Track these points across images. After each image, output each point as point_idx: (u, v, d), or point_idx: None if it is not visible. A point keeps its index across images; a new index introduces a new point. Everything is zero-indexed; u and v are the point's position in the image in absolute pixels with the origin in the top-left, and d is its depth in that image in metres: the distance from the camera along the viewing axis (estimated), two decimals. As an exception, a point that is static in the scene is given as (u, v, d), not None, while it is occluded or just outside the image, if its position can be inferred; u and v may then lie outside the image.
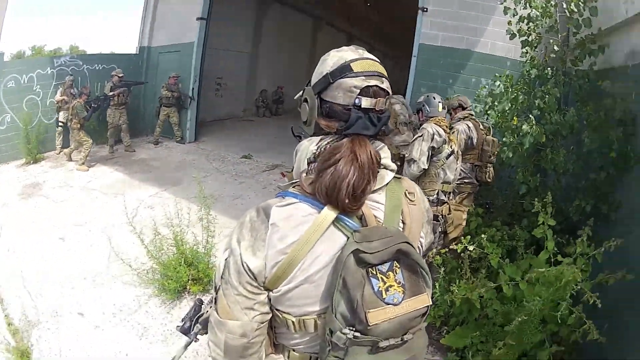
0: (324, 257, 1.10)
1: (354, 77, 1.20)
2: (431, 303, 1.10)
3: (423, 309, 1.07)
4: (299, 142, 1.33)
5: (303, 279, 1.10)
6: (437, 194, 3.79)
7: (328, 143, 1.21)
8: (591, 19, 4.52)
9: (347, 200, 1.09)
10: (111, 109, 10.29)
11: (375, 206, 1.20)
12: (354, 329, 1.00)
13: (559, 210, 4.26)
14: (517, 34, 5.00)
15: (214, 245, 4.58)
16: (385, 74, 1.27)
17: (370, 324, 0.98)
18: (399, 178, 1.30)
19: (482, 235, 3.73)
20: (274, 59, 18.29)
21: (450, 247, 3.86)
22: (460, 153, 4.01)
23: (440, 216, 3.73)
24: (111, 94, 10.15)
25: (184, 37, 11.62)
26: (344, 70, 1.21)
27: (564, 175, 4.56)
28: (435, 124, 3.83)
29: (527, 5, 4.86)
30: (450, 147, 3.82)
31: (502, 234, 4.50)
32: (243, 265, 1.12)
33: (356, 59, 1.23)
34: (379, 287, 1.02)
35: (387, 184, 1.23)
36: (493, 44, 7.02)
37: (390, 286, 1.03)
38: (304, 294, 1.12)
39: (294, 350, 1.25)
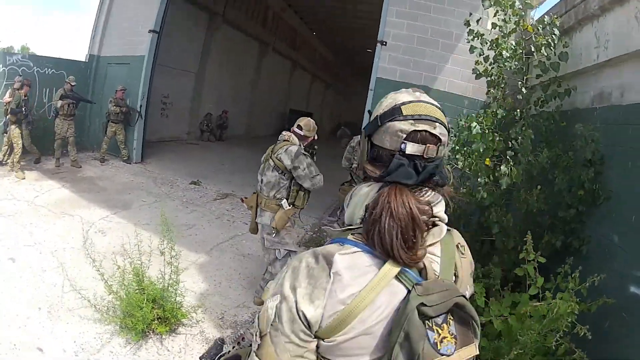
0: (384, 309, 1.05)
1: (402, 120, 1.14)
2: (478, 353, 1.09)
3: (471, 358, 1.07)
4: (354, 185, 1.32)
5: (361, 331, 1.04)
6: None
7: (372, 189, 1.17)
8: (560, 63, 4.66)
9: (404, 255, 1.05)
10: (59, 118, 9.70)
11: (432, 259, 1.14)
12: None
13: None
14: (484, 74, 5.10)
15: (179, 282, 4.25)
16: (442, 118, 1.19)
17: None
18: (449, 230, 1.23)
19: None
20: (220, 82, 18.07)
21: None
22: None
23: None
24: (59, 103, 9.62)
25: (135, 50, 11.21)
26: (394, 113, 1.16)
27: (532, 214, 4.62)
28: None
29: (495, 46, 4.96)
30: None
31: (476, 273, 4.52)
32: (299, 314, 1.05)
33: (409, 102, 1.17)
34: (435, 338, 1.01)
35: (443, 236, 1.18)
36: (451, 82, 7.11)
37: (445, 337, 1.02)
38: (359, 344, 1.06)
39: None
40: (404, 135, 1.12)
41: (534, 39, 4.86)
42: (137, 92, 10.93)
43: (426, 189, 1.16)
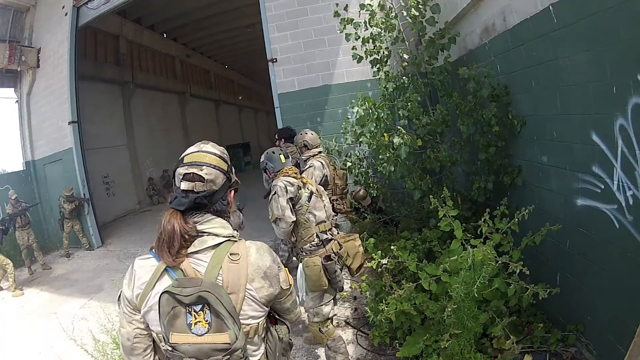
0: (158, 294, 1.38)
1: (181, 167, 1.54)
2: (232, 341, 1.34)
3: (223, 345, 1.33)
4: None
5: (150, 306, 1.45)
6: (317, 236, 3.42)
7: None
8: (435, 17, 4.53)
9: (166, 257, 1.43)
10: (18, 230, 9.47)
11: (200, 263, 1.47)
12: (168, 344, 1.35)
13: (464, 198, 4.22)
14: (364, 56, 4.94)
15: None
16: (212, 161, 1.56)
17: (172, 342, 1.33)
18: (235, 241, 1.53)
19: (392, 247, 3.56)
20: (151, 144, 17.38)
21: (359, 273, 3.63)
22: (322, 189, 3.67)
23: (333, 254, 3.37)
24: (12, 214, 9.42)
25: (62, 144, 10.84)
26: (179, 162, 1.56)
27: (455, 167, 4.47)
28: (283, 176, 3.46)
29: (368, 25, 4.77)
30: (308, 188, 3.49)
31: (413, 240, 4.40)
32: (124, 294, 1.51)
33: (190, 152, 1.58)
34: (191, 320, 1.34)
35: (215, 246, 1.49)
36: (348, 71, 6.93)
37: (199, 322, 1.34)
38: (153, 317, 1.44)
39: None
40: (181, 177, 1.52)
41: (402, 3, 4.74)
42: (76, 182, 10.62)
43: (197, 212, 1.52)
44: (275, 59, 7.21)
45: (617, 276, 2.62)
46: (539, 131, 3.36)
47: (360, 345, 3.98)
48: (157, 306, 1.38)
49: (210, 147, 1.62)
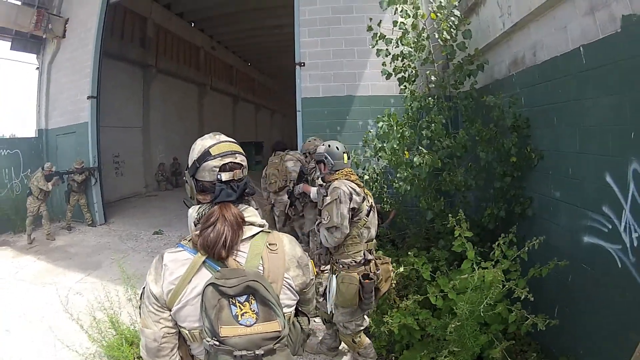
0: (198, 288, 1.41)
1: (212, 159, 1.56)
2: (282, 329, 1.38)
3: (273, 333, 1.36)
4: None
5: (186, 302, 1.43)
6: (363, 254, 3.23)
7: (203, 210, 1.56)
8: (465, 42, 4.67)
9: (222, 251, 1.44)
10: (32, 197, 9.66)
11: (239, 254, 1.50)
12: (215, 338, 1.33)
13: (474, 223, 4.26)
14: (393, 73, 5.08)
15: None
16: (239, 149, 1.63)
17: (222, 336, 1.32)
18: (268, 232, 1.59)
19: (409, 253, 3.71)
20: (166, 130, 17.73)
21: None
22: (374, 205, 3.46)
23: (372, 274, 3.21)
24: (51, 184, 9.71)
25: (78, 117, 11.03)
26: (206, 155, 1.57)
27: (469, 192, 4.60)
28: (346, 178, 3.25)
29: (399, 43, 4.93)
30: (369, 202, 3.29)
31: (422, 259, 4.47)
32: (150, 291, 1.48)
33: (214, 144, 1.60)
34: (237, 312, 1.35)
35: (253, 236, 1.54)
36: (374, 85, 7.07)
37: (246, 312, 1.35)
38: (188, 313, 1.44)
39: (199, 359, 1.54)
40: (217, 169, 1.55)
41: (436, 25, 4.89)
42: (87, 157, 10.80)
43: (238, 202, 1.57)
44: (304, 63, 7.37)
45: (614, 314, 2.75)
46: (555, 166, 3.51)
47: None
48: (195, 300, 1.41)
49: (225, 137, 1.67)
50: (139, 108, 16.11)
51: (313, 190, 4.55)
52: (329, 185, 3.28)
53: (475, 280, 3.07)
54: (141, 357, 4.16)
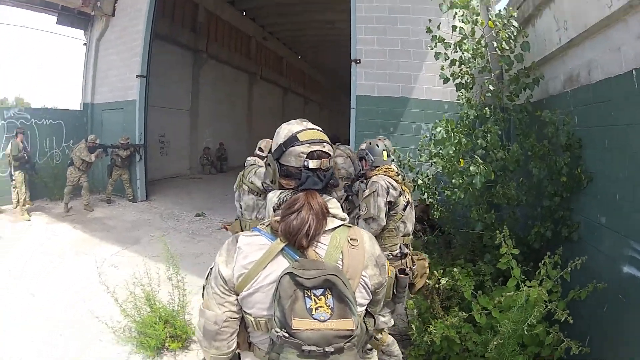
0: (272, 275, 1.41)
1: (300, 145, 1.55)
2: (355, 328, 1.32)
3: (346, 331, 1.31)
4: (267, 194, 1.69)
5: (257, 288, 1.43)
6: (400, 247, 3.46)
7: (285, 196, 1.56)
8: (523, 54, 4.74)
9: (304, 240, 1.42)
10: (74, 167, 10.13)
11: (319, 245, 1.49)
12: (285, 330, 1.28)
13: (519, 240, 4.34)
14: (451, 78, 5.17)
15: (187, 304, 4.55)
16: (327, 139, 1.62)
17: (294, 328, 1.27)
18: (349, 226, 1.58)
19: (454, 269, 3.77)
20: (214, 115, 18.36)
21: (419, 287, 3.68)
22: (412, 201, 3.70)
23: (407, 269, 3.38)
24: (94, 155, 10.23)
25: (126, 95, 11.59)
26: (293, 140, 1.57)
27: (517, 207, 4.67)
28: (385, 174, 3.51)
29: (458, 48, 5.02)
30: (405, 197, 3.54)
31: (467, 270, 4.56)
32: (219, 273, 1.49)
33: (301, 130, 1.59)
34: (311, 305, 1.30)
35: (334, 229, 1.53)
36: (428, 89, 7.16)
37: (320, 307, 1.30)
38: (258, 299, 1.44)
39: (258, 348, 1.55)
40: (305, 156, 1.54)
41: (494, 34, 4.95)
42: (134, 134, 11.24)
43: (321, 193, 1.56)
44: (359, 60, 7.54)
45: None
46: (603, 191, 3.53)
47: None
48: (268, 288, 1.40)
49: (312, 124, 1.65)
50: (187, 91, 16.76)
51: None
52: (369, 180, 3.57)
53: (522, 300, 3.12)
54: (173, 337, 4.28)
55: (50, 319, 4.91)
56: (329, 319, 1.30)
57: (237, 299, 1.48)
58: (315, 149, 1.56)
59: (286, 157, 1.57)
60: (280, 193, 1.59)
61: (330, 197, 1.59)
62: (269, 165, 1.66)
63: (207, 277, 1.58)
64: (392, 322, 3.66)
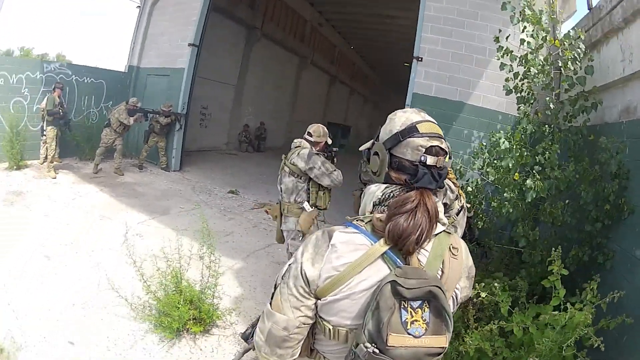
0: (368, 281, 1.29)
1: (419, 137, 1.41)
2: (447, 346, 1.25)
3: (439, 349, 1.22)
4: (366, 187, 1.55)
5: (347, 294, 1.30)
6: None
7: (392, 192, 1.42)
8: (586, 77, 4.80)
9: (415, 244, 1.30)
10: (110, 129, 10.11)
11: (422, 252, 1.37)
12: (375, 345, 1.18)
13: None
14: (513, 90, 5.25)
15: (216, 285, 4.38)
16: (443, 134, 1.49)
17: (389, 345, 1.16)
18: (449, 233, 1.46)
19: (495, 284, 3.83)
20: (259, 94, 18.60)
21: None
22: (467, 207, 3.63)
23: None
24: (131, 120, 10.20)
25: (174, 62, 11.72)
26: (412, 130, 1.42)
27: (561, 227, 4.74)
28: None
29: (524, 62, 5.10)
30: (460, 202, 3.44)
31: (503, 284, 4.62)
32: (302, 272, 1.35)
33: (421, 121, 1.45)
34: (407, 318, 1.19)
35: (436, 235, 1.40)
36: (485, 97, 7.22)
37: (416, 321, 1.20)
38: (344, 307, 1.32)
39: (324, 357, 1.47)
40: (423, 150, 1.40)
41: (560, 54, 4.98)
42: (177, 102, 11.38)
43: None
44: (421, 58, 7.60)
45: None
46: (642, 225, 3.59)
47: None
48: (360, 295, 1.30)
49: (431, 117, 1.52)
50: (236, 66, 16.93)
51: None
52: None
53: (565, 319, 3.17)
54: (196, 319, 4.21)
55: (63, 285, 4.82)
56: (423, 334, 1.21)
57: (315, 304, 1.37)
58: (434, 144, 1.42)
59: (401, 149, 1.43)
60: (386, 187, 1.45)
61: (438, 200, 1.45)
62: (376, 154, 1.51)
63: (283, 275, 1.45)
64: None
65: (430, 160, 1.39)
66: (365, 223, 1.40)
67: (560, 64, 4.97)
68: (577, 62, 4.88)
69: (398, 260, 1.31)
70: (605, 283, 3.51)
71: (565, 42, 4.97)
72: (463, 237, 5.18)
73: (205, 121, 15.97)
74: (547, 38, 5.05)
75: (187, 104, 11.62)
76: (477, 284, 3.88)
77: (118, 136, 10.24)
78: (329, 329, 1.36)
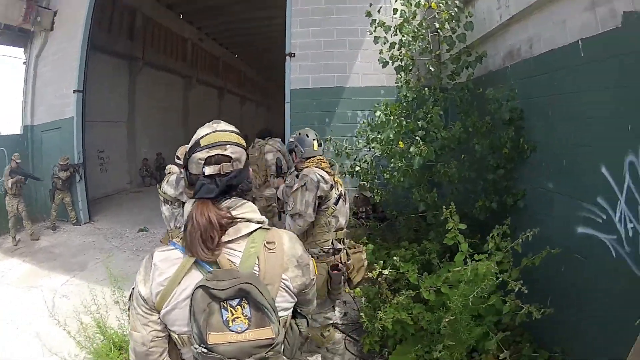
0: (188, 290, 1.32)
1: (200, 151, 1.44)
2: (275, 336, 1.28)
3: (266, 340, 1.27)
4: None
5: (174, 305, 1.34)
6: (332, 243, 3.22)
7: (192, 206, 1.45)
8: (466, 34, 4.72)
9: (201, 252, 1.34)
10: (9, 197, 9.45)
11: (233, 253, 1.39)
12: (203, 345, 1.24)
13: (464, 215, 4.26)
14: (390, 61, 5.09)
15: None
16: (234, 139, 1.49)
17: (210, 343, 1.23)
18: (267, 229, 1.48)
19: (395, 258, 3.68)
20: (150, 125, 17.42)
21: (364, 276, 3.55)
22: (346, 193, 3.44)
23: (341, 264, 3.20)
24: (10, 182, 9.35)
25: (63, 113, 10.85)
26: (195, 146, 1.46)
27: (460, 184, 4.64)
28: (316, 167, 3.22)
29: (398, 31, 4.95)
30: (338, 189, 3.28)
31: (412, 251, 4.52)
32: (138, 293, 1.39)
33: (207, 134, 1.47)
34: (227, 317, 1.26)
35: (250, 234, 1.43)
36: (364, 76, 7.07)
37: (237, 318, 1.26)
38: (176, 316, 1.35)
39: None
40: (203, 162, 1.43)
41: (437, 15, 4.91)
42: (72, 153, 10.61)
43: (227, 197, 1.45)
44: (294, 53, 7.32)
45: (608, 305, 2.81)
46: (549, 158, 3.57)
47: (349, 351, 3.99)
48: (184, 304, 1.32)
49: (224, 125, 1.55)
50: (124, 102, 15.88)
51: (281, 187, 4.07)
52: (300, 174, 3.30)
53: (469, 274, 3.08)
54: None
55: (13, 358, 4.77)
56: (246, 329, 1.27)
57: (159, 318, 1.40)
58: (213, 154, 1.44)
59: (190, 165, 1.48)
60: (193, 203, 1.48)
61: (243, 202, 1.49)
62: (181, 174, 1.57)
63: (129, 298, 1.48)
64: (336, 318, 3.54)
65: (209, 169, 1.42)
66: (180, 239, 1.44)
67: (437, 26, 4.89)
68: (454, 20, 4.79)
69: (206, 266, 1.36)
70: (524, 223, 3.47)
71: (441, 4, 4.88)
72: (367, 217, 4.98)
73: (105, 165, 14.77)
74: (421, 3, 4.94)
75: (81, 152, 10.76)
76: (376, 264, 3.72)
77: (18, 199, 9.55)
78: (176, 338, 1.40)
